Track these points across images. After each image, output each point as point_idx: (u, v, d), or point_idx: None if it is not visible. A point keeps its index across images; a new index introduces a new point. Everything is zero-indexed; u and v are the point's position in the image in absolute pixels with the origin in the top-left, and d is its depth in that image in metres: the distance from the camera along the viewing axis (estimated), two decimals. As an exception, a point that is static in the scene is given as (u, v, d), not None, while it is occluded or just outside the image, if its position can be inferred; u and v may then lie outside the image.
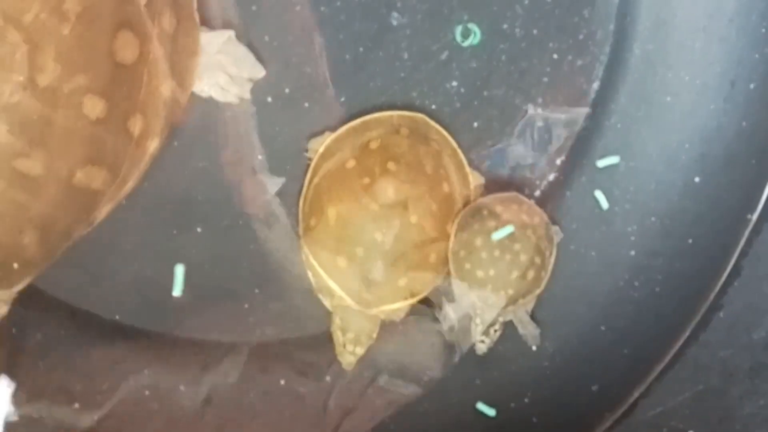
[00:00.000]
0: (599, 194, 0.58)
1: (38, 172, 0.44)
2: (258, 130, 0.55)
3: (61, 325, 0.56)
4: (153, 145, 0.49)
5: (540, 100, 0.58)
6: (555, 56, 0.58)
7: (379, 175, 0.53)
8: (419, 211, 0.53)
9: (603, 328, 0.59)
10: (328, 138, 0.55)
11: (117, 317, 0.56)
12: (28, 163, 0.44)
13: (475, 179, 0.57)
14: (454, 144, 0.56)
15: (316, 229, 0.54)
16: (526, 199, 0.57)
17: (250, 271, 0.57)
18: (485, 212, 0.55)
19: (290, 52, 0.55)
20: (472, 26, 0.57)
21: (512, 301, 0.55)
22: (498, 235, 0.55)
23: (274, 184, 0.56)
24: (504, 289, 0.54)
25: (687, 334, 0.58)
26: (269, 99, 0.55)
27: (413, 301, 0.55)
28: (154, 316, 0.56)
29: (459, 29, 0.57)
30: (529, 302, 0.56)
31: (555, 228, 0.57)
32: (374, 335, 0.55)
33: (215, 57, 0.52)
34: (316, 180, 0.55)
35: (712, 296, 0.57)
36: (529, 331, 0.57)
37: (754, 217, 0.57)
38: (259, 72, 0.54)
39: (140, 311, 0.56)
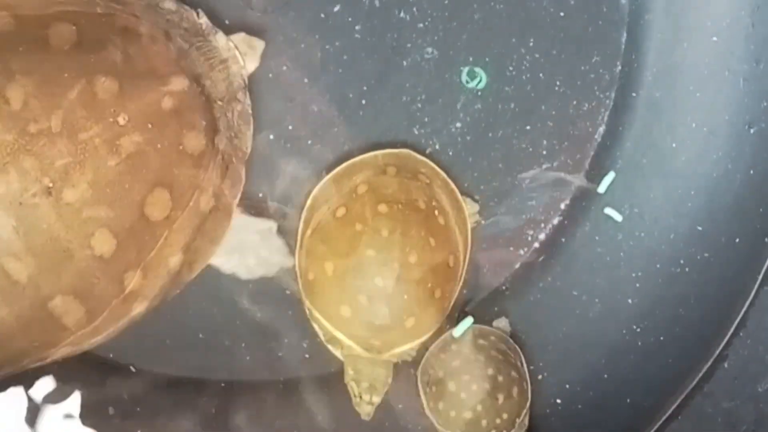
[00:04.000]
0: (610, 211, 0.58)
1: (21, 279, 0.43)
2: (261, 167, 0.55)
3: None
4: (138, 308, 0.48)
5: (545, 143, 0.58)
6: (561, 100, 0.58)
7: (371, 219, 0.52)
8: (417, 249, 0.52)
9: (606, 375, 0.58)
10: (314, 189, 0.54)
11: (111, 355, 0.55)
12: (16, 266, 0.43)
13: (470, 207, 0.56)
14: (443, 174, 0.55)
15: (315, 282, 0.53)
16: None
17: (250, 310, 0.56)
18: (443, 356, 0.54)
19: (294, 90, 0.55)
20: (479, 70, 0.57)
21: (511, 424, 0.54)
22: (459, 331, 0.55)
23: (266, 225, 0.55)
24: (498, 416, 0.54)
25: (691, 383, 0.57)
26: (271, 136, 0.55)
27: (423, 339, 0.54)
28: (150, 356, 0.56)
29: (465, 71, 0.57)
30: (525, 418, 0.55)
31: (502, 320, 0.57)
32: (389, 380, 0.54)
33: (250, 236, 0.53)
34: (308, 232, 0.54)
35: (717, 346, 0.57)
36: None
37: (761, 267, 0.57)
38: (288, 262, 0.54)
39: (135, 350, 0.56)
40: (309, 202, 0.54)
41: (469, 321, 0.56)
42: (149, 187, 0.46)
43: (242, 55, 0.51)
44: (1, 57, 0.43)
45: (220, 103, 0.50)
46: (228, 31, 0.52)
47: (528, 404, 0.55)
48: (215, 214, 0.50)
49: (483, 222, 0.57)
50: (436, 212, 0.54)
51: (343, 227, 0.52)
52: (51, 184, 0.43)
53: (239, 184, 0.52)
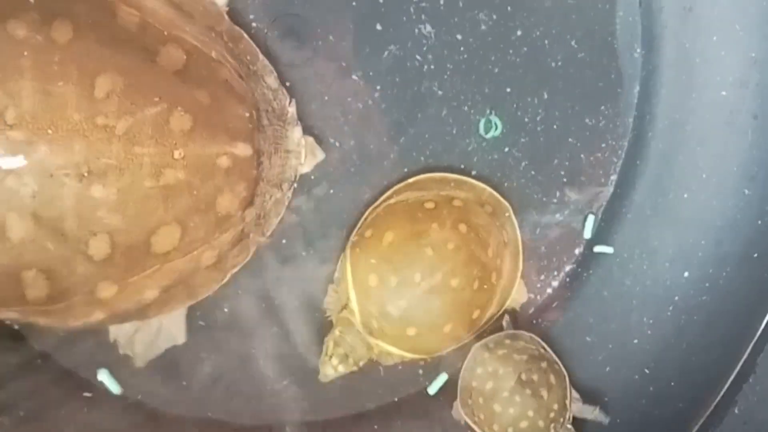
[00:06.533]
0: (600, 248, 0.59)
1: (13, 237, 0.44)
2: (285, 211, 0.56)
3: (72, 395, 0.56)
4: (96, 317, 0.49)
5: (558, 193, 0.60)
6: (573, 150, 0.60)
7: (448, 228, 0.53)
8: (462, 281, 0.53)
9: (618, 420, 0.59)
10: (423, 175, 0.57)
11: (139, 396, 0.56)
12: (15, 224, 0.44)
13: (520, 292, 0.57)
14: (521, 248, 0.57)
15: (368, 240, 0.54)
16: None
17: (266, 356, 0.57)
18: (474, 384, 0.55)
19: (317, 139, 0.56)
20: (495, 120, 0.58)
21: (564, 408, 0.55)
22: (434, 389, 0.56)
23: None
24: (551, 410, 0.54)
25: (701, 428, 0.57)
26: (295, 184, 0.56)
27: (408, 356, 0.55)
28: (173, 397, 0.57)
29: (482, 122, 0.58)
30: (571, 394, 0.56)
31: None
32: (361, 363, 0.55)
33: (154, 319, 0.53)
34: (392, 200, 0.56)
35: (726, 391, 0.57)
36: (591, 413, 0.57)
37: (769, 315, 0.58)
38: (141, 362, 0.54)
39: (159, 390, 0.57)
40: (412, 180, 0.56)
41: (443, 378, 0.57)
42: (166, 221, 0.47)
43: (305, 155, 0.53)
44: (111, 49, 0.46)
45: (265, 183, 0.52)
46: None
47: (567, 379, 0.56)
48: (208, 273, 0.52)
49: (518, 312, 0.59)
50: (495, 269, 0.55)
51: (423, 217, 0.54)
52: (86, 174, 0.44)
53: (243, 259, 0.53)
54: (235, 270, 0.53)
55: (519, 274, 0.57)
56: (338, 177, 0.57)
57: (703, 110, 0.59)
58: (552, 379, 0.55)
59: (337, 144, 0.57)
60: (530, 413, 0.54)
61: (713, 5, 0.58)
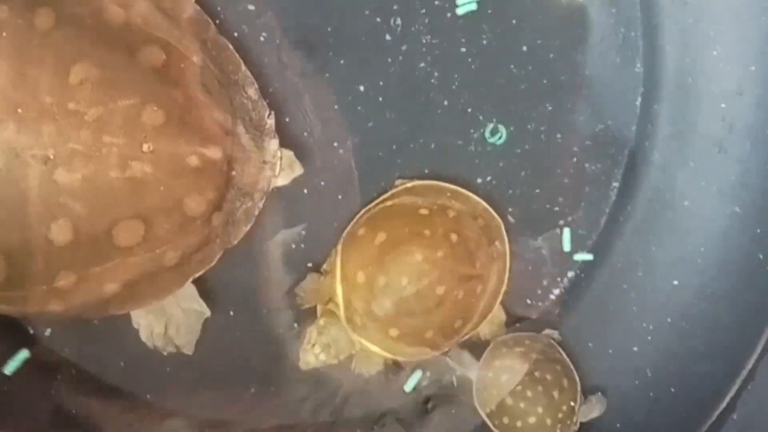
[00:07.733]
0: (580, 255, 0.61)
1: None
2: (294, 218, 0.58)
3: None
4: (54, 308, 0.48)
5: (561, 200, 0.61)
6: (577, 158, 0.61)
7: (439, 236, 0.55)
8: (447, 287, 0.54)
9: (618, 425, 0.60)
10: (420, 181, 0.58)
11: (148, 396, 0.58)
12: None
13: (499, 313, 0.58)
14: (509, 264, 0.58)
15: (359, 239, 0.55)
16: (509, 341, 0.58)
17: (264, 356, 0.58)
18: (490, 375, 0.57)
19: (327, 149, 0.58)
20: (501, 126, 0.59)
21: (571, 411, 0.56)
22: (410, 385, 0.57)
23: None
24: (559, 410, 0.56)
25: (701, 434, 0.58)
26: (305, 191, 0.58)
27: (388, 356, 0.56)
28: (159, 387, 0.58)
29: (489, 128, 0.59)
30: (581, 399, 0.58)
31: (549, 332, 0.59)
32: (341, 357, 0.55)
33: (173, 309, 0.54)
34: (389, 203, 0.57)
35: (726, 398, 0.58)
36: (596, 408, 0.59)
37: (768, 322, 0.59)
38: (189, 349, 0.55)
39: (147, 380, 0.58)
40: (410, 184, 0.57)
41: (417, 375, 0.58)
42: (130, 214, 0.47)
43: (281, 168, 0.53)
44: (91, 41, 0.47)
45: (236, 190, 0.52)
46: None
47: (579, 387, 0.57)
48: (170, 274, 0.51)
49: (503, 333, 0.59)
50: (481, 281, 0.56)
51: (415, 222, 0.55)
52: (52, 157, 0.44)
53: (207, 265, 0.53)
54: (197, 275, 0.53)
55: (503, 287, 0.58)
56: (348, 184, 0.58)
57: (702, 121, 0.60)
58: (565, 382, 0.57)
59: (347, 152, 0.58)
60: (539, 410, 0.55)
61: (714, 19, 0.59)
